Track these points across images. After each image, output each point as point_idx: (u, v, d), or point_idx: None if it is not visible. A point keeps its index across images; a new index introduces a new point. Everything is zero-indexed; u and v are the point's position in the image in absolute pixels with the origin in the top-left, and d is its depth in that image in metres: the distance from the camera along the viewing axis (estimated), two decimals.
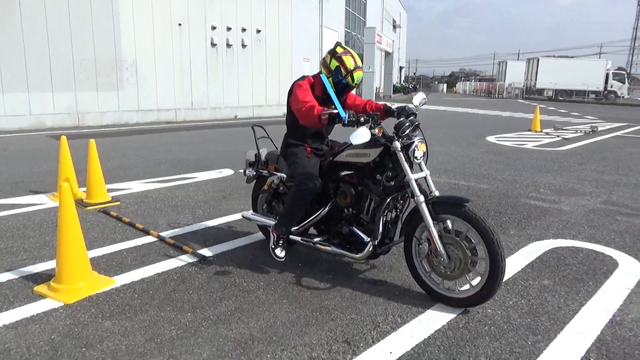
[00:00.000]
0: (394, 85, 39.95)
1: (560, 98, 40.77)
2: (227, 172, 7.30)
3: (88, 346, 2.55)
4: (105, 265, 3.62)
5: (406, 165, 3.07)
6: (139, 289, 3.23)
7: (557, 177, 7.30)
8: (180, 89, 15.97)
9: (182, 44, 15.76)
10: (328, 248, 3.44)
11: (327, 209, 3.50)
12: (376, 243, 3.18)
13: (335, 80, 3.39)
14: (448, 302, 3.07)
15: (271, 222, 3.75)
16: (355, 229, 3.35)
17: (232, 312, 2.93)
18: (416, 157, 3.10)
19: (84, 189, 5.47)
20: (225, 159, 8.39)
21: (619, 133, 14.37)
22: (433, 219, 3.00)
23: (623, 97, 41.47)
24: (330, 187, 3.48)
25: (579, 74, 40.48)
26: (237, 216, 4.93)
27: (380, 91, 34.74)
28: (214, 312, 2.93)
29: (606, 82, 41.22)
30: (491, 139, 12.19)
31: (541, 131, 13.95)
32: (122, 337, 2.63)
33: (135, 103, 15.06)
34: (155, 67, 15.26)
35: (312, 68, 21.11)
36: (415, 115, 3.31)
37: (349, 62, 3.35)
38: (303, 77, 3.54)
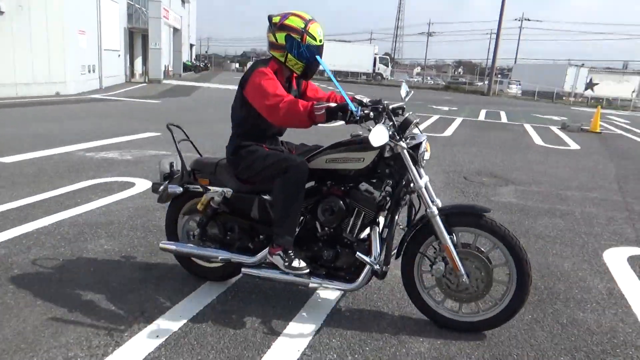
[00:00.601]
0: (184, 64, 38.50)
1: (339, 79, 45.23)
2: None
3: None
4: None
5: (415, 171, 2.57)
6: None
7: None
8: None
9: None
10: (307, 281, 2.74)
11: (298, 228, 2.80)
12: (379, 268, 2.61)
13: (296, 54, 2.62)
14: (460, 326, 2.71)
15: (213, 253, 2.92)
16: (360, 254, 2.63)
17: None
18: (424, 160, 2.68)
19: None
20: None
21: None
22: (448, 233, 2.60)
23: (387, 78, 48.35)
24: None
25: (353, 57, 45.70)
26: None
27: (170, 69, 33.15)
28: None
29: (374, 65, 47.43)
30: None
31: None
32: None
33: None
34: None
35: (89, 41, 18.92)
36: (403, 109, 2.77)
37: (296, 22, 2.60)
38: (265, 62, 2.71)
